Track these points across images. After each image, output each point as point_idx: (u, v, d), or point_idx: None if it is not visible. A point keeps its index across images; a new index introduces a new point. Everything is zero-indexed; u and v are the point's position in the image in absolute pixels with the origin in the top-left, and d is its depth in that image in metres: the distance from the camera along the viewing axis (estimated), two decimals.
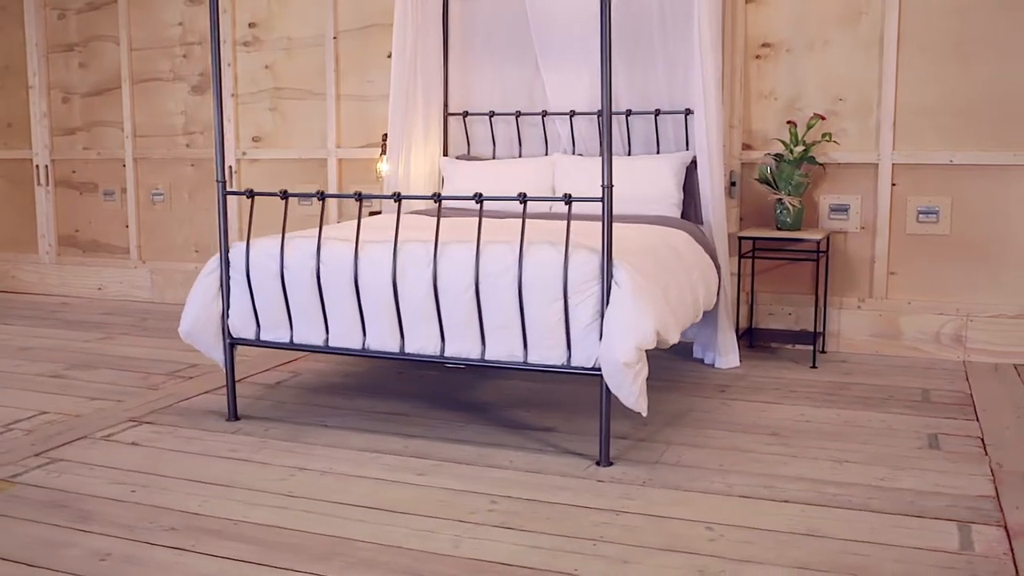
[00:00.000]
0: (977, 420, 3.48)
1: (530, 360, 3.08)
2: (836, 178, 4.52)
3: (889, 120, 4.42)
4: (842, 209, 4.57)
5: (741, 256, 4.48)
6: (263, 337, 3.44)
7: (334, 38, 5.41)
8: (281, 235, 3.38)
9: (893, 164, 4.44)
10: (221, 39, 5.52)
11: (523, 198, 3.08)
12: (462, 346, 3.16)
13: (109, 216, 6.22)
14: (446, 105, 5.06)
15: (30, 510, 2.67)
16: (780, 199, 4.40)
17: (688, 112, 4.58)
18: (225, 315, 3.46)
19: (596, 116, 4.79)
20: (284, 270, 3.32)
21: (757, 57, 4.63)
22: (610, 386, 2.95)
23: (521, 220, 3.08)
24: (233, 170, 5.74)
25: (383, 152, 5.17)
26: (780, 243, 4.49)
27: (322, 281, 3.27)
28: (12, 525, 2.57)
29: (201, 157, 5.87)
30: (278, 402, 3.77)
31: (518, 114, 4.96)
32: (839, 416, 3.54)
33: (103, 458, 3.11)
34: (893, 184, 4.46)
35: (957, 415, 3.55)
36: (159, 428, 3.43)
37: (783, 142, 4.42)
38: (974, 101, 4.30)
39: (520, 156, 4.98)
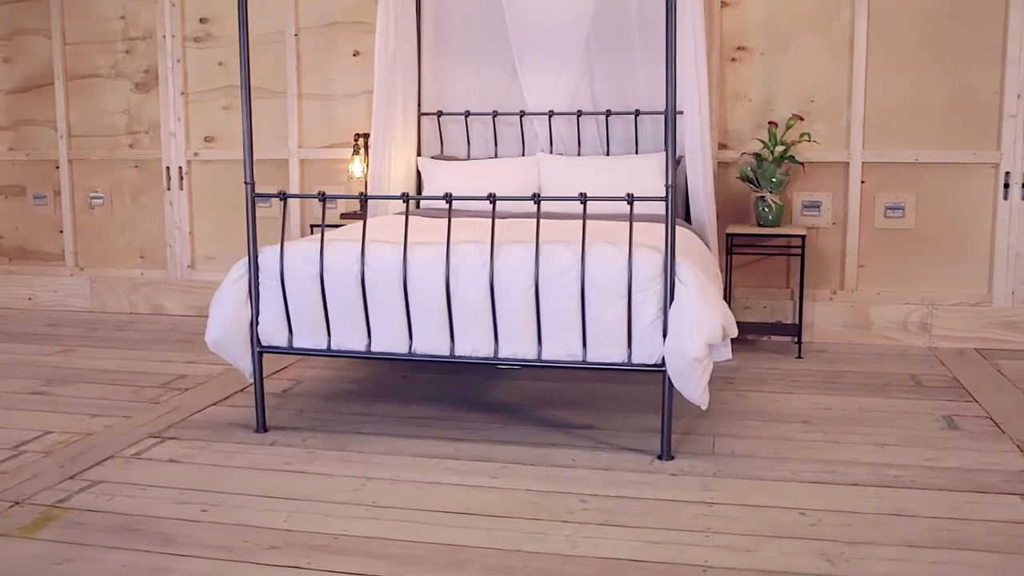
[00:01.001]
0: (976, 401, 3.72)
1: (589, 359, 3.11)
2: (809, 176, 4.73)
3: (859, 121, 4.67)
4: (814, 206, 4.79)
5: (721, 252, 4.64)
6: (296, 344, 3.33)
7: (295, 35, 5.25)
8: (320, 238, 3.27)
9: (863, 163, 4.70)
10: (170, 34, 5.30)
11: (583, 198, 3.10)
12: (518, 347, 3.14)
13: (39, 221, 5.82)
14: (419, 105, 5.00)
15: (104, 536, 2.50)
16: (762, 196, 4.58)
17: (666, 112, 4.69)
18: (254, 322, 3.32)
19: (576, 116, 4.85)
20: (324, 274, 3.22)
21: (732, 60, 4.80)
22: (676, 382, 3.01)
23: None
24: (183, 171, 5.49)
25: (355, 152, 5.07)
26: (759, 239, 4.67)
27: (367, 285, 3.19)
28: (95, 554, 2.40)
29: (146, 158, 5.58)
30: (297, 411, 3.64)
31: (495, 114, 4.95)
32: (852, 403, 3.72)
33: (147, 477, 2.93)
34: (862, 181, 4.71)
35: (955, 397, 3.79)
36: (189, 443, 3.26)
37: (763, 142, 4.60)
38: (937, 103, 4.60)
39: (496, 156, 4.98)
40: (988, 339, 4.62)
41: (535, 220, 3.37)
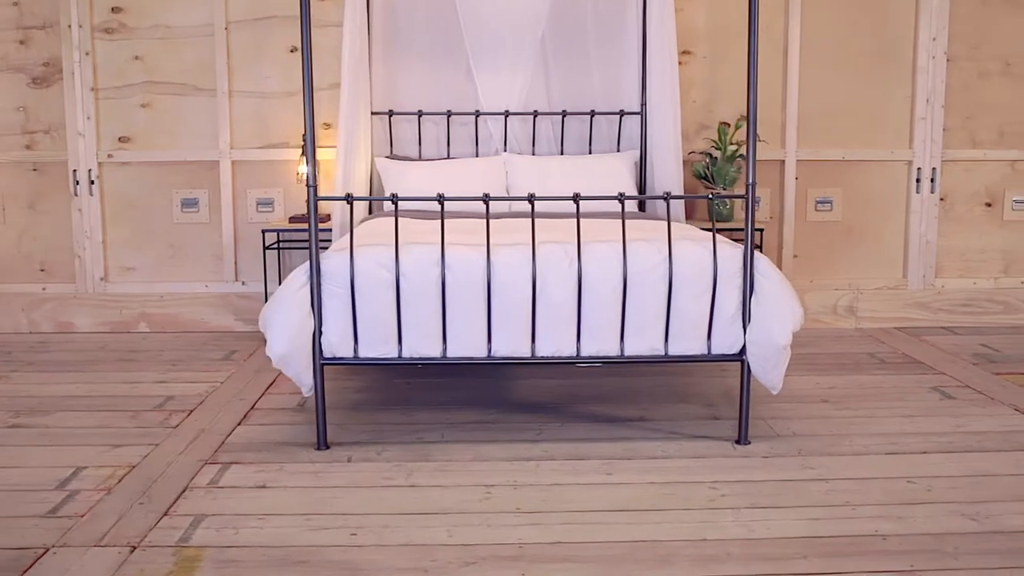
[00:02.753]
0: (944, 373, 4.17)
1: (671, 352, 3.21)
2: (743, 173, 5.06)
3: (794, 122, 5.06)
4: (755, 201, 5.13)
5: None
6: (363, 354, 3.17)
7: (225, 28, 4.92)
8: (395, 242, 3.13)
9: (797, 160, 5.09)
10: (76, 23, 4.85)
11: (667, 196, 3.19)
12: (601, 344, 3.18)
13: None
14: (371, 104, 4.86)
15: (273, 572, 2.30)
16: (717, 192, 4.85)
17: (623, 112, 4.87)
18: (317, 332, 3.13)
19: (532, 116, 4.90)
20: (401, 279, 3.10)
21: (679, 63, 5.03)
22: (758, 369, 3.18)
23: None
24: (94, 174, 4.98)
25: (303, 153, 4.84)
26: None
27: (447, 289, 3.10)
28: None
29: (47, 160, 5.01)
30: (339, 425, 3.45)
31: (449, 113, 4.91)
32: (848, 381, 4.05)
33: (250, 506, 2.70)
34: (796, 178, 5.11)
35: (924, 371, 4.22)
36: (259, 467, 3.02)
37: (714, 141, 4.88)
38: (859, 106, 5.08)
39: (448, 157, 4.93)
40: (906, 318, 5.17)
41: (541, 219, 3.43)
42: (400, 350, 3.17)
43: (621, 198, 3.19)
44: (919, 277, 5.18)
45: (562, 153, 4.95)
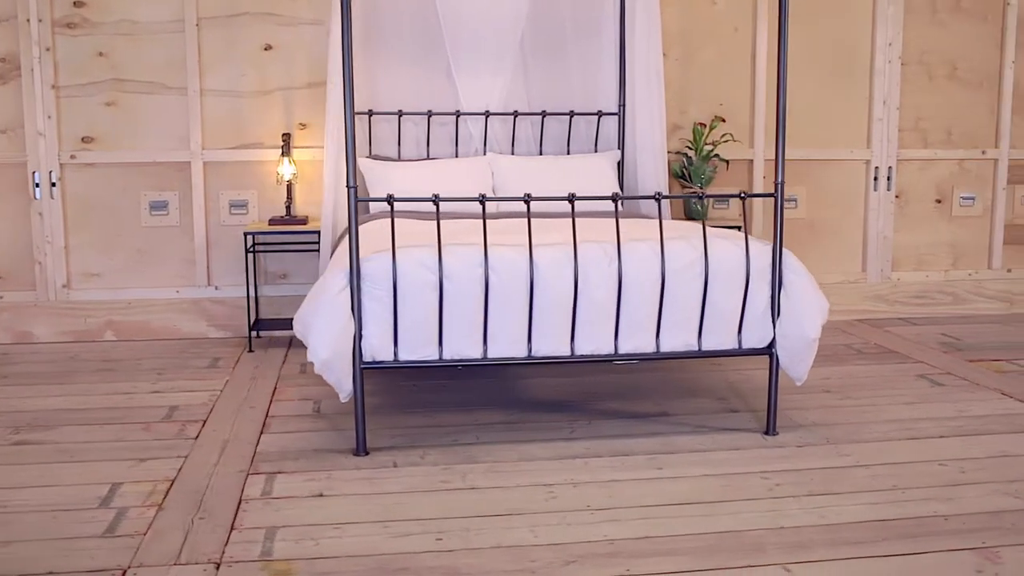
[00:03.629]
0: (923, 362, 4.39)
1: (704, 347, 3.28)
2: (720, 172, 5.21)
3: (762, 122, 5.24)
4: (723, 200, 5.29)
5: None
6: (403, 358, 3.13)
7: (196, 25, 4.75)
8: (437, 243, 3.10)
9: (765, 160, 5.27)
10: (35, 17, 4.64)
11: (700, 196, 3.26)
12: (639, 341, 3.23)
13: None
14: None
15: None
16: (694, 191, 4.98)
17: (601, 113, 4.95)
18: (358, 336, 3.07)
19: (512, 116, 4.92)
20: (445, 281, 3.07)
21: None
22: (788, 362, 3.29)
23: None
24: (55, 176, 4.74)
25: (284, 153, 4.73)
26: None
27: (491, 289, 3.09)
28: None
29: (4, 161, 4.71)
30: (368, 430, 3.39)
31: (430, 113, 4.88)
32: (838, 371, 4.22)
33: (317, 516, 2.64)
34: (764, 176, 5.29)
35: (901, 360, 4.44)
36: (308, 475, 2.95)
37: (689, 142, 5.00)
38: (821, 107, 5.29)
39: (428, 157, 4.90)
40: (866, 310, 5.42)
41: (533, 219, 3.47)
42: (441, 352, 3.15)
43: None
44: (877, 271, 5.43)
45: (541, 153, 4.99)
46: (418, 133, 4.94)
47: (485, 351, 3.17)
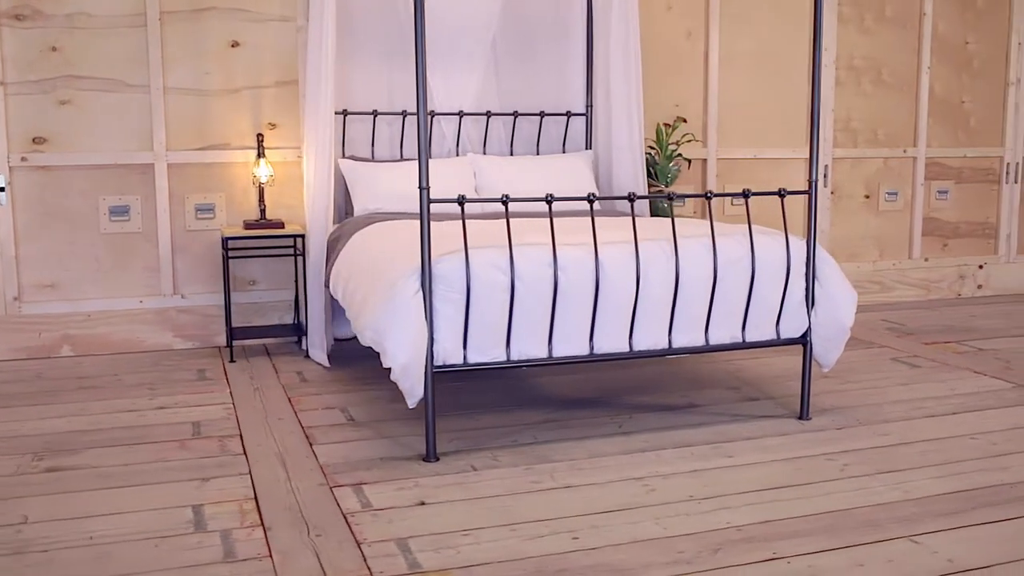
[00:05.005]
0: (886, 347, 4.73)
1: (747, 339, 3.42)
2: (681, 171, 5.40)
3: (714, 123, 5.46)
4: (679, 198, 5.47)
5: None
6: (472, 359, 3.10)
7: (159, 19, 4.49)
8: (508, 244, 3.08)
9: (717, 159, 5.50)
10: None
11: (746, 193, 3.39)
12: (690, 336, 3.34)
13: None
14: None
15: None
16: (660, 190, 5.14)
17: (570, 114, 5.03)
18: (431, 340, 3.02)
19: (485, 117, 4.93)
20: (516, 281, 3.06)
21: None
22: (821, 350, 3.48)
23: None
24: (3, 180, 4.35)
25: (260, 155, 4.55)
26: None
27: (559, 289, 3.11)
28: None
29: None
30: (417, 435, 3.32)
31: (404, 114, 4.81)
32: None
33: (439, 524, 2.58)
34: (717, 175, 5.52)
35: (868, 345, 4.75)
36: (395, 484, 2.87)
37: (653, 142, 5.16)
38: (767, 108, 5.57)
39: (401, 157, 4.84)
40: None
41: (554, 219, 3.52)
42: (508, 353, 3.14)
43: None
44: None
45: (512, 153, 5.02)
46: (392, 134, 4.87)
47: (550, 350, 3.19)
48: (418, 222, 3.93)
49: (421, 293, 3.00)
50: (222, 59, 4.62)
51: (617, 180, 4.89)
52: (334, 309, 4.42)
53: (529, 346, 3.16)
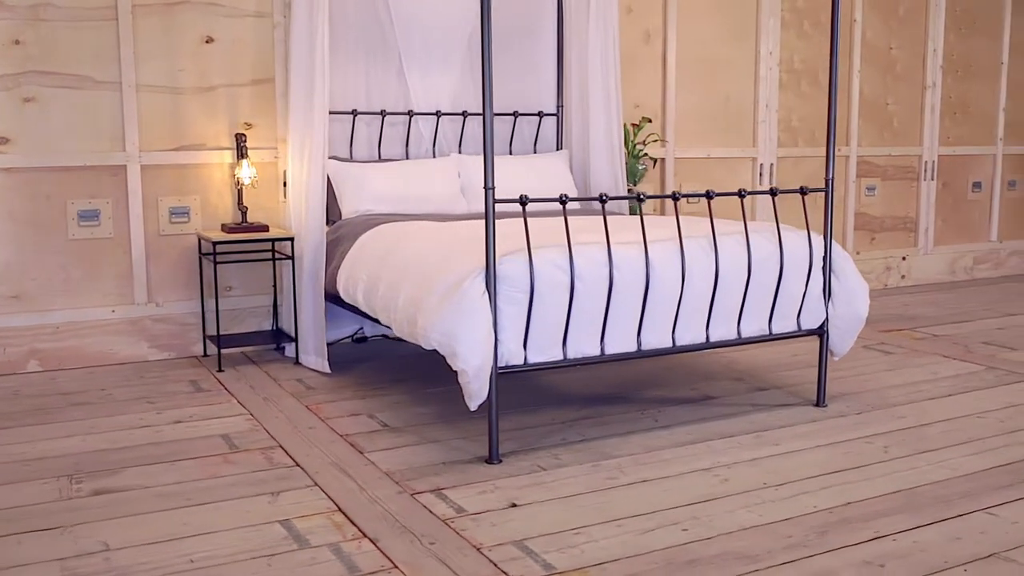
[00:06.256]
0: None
1: (774, 331, 3.56)
2: (647, 170, 5.53)
3: (672, 123, 5.62)
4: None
5: None
6: (531, 360, 3.10)
7: (130, 12, 4.24)
8: (567, 243, 3.09)
9: (675, 158, 5.66)
10: None
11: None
12: (725, 329, 3.45)
13: None
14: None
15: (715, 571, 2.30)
16: (630, 188, 5.25)
17: (542, 114, 5.09)
18: (497, 340, 3.00)
19: (462, 116, 4.91)
20: (576, 280, 3.08)
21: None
22: (838, 340, 3.67)
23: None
24: None
25: (242, 155, 4.37)
26: None
27: (614, 286, 3.15)
28: None
29: None
30: (465, 438, 3.30)
31: (384, 113, 4.74)
32: (794, 348, 4.69)
33: (542, 525, 2.58)
34: (675, 174, 5.68)
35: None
36: (476, 488, 2.85)
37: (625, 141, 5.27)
38: (717, 110, 5.78)
39: (380, 158, 4.77)
40: None
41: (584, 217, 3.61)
42: (565, 352, 3.16)
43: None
44: None
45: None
46: (370, 133, 4.78)
47: (603, 348, 3.23)
48: (440, 223, 3.95)
49: (487, 294, 2.99)
50: (196, 55, 4.42)
51: (595, 179, 4.96)
52: (327, 312, 4.30)
53: (583, 344, 3.20)
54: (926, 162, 6.59)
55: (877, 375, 4.18)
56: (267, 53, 4.54)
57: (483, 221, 4.02)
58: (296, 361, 4.37)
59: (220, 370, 4.23)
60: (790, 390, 3.93)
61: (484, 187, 3.01)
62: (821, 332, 3.67)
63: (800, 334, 3.65)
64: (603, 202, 3.13)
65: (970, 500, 2.76)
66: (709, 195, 3.43)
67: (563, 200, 3.13)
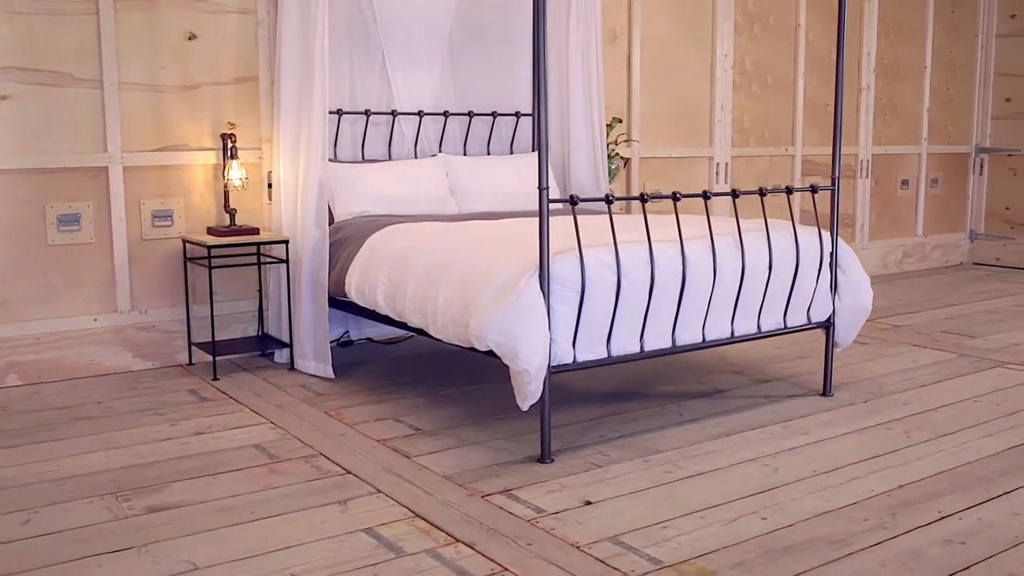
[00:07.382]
0: None
1: (788, 325, 3.69)
2: (618, 170, 5.61)
3: (637, 123, 5.73)
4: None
5: None
6: (580, 358, 3.12)
7: (113, 7, 4.04)
8: (613, 241, 3.12)
9: (641, 158, 5.77)
10: None
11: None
12: (748, 324, 3.55)
13: None
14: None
15: (792, 559, 2.36)
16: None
17: (519, 114, 5.11)
18: (549, 339, 3.01)
19: (443, 116, 4.88)
20: (623, 279, 3.12)
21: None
22: (843, 332, 3.83)
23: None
24: None
25: (232, 156, 4.23)
26: None
27: (655, 284, 3.20)
28: None
29: None
30: (506, 437, 3.29)
31: (368, 113, 4.67)
32: (778, 341, 4.86)
33: (625, 522, 2.61)
34: (640, 175, 5.79)
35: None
36: (541, 488, 2.85)
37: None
38: (677, 110, 5.92)
39: (363, 159, 4.69)
40: None
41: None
42: (609, 350, 3.20)
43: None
44: None
45: (465, 153, 5.00)
46: (354, 133, 4.70)
47: (642, 345, 3.28)
48: (452, 223, 3.91)
49: (541, 293, 2.99)
50: (178, 53, 4.25)
51: (575, 179, 5.01)
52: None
53: (625, 342, 3.24)
54: (861, 161, 6.92)
55: (863, 365, 4.38)
56: (251, 51, 4.40)
57: (500, 220, 4.09)
58: (291, 367, 4.26)
59: (215, 378, 4.09)
60: (792, 381, 4.08)
61: (538, 187, 3.01)
62: (828, 325, 3.83)
63: (810, 327, 3.79)
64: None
65: (1010, 478, 2.93)
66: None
67: (608, 200, 3.17)
